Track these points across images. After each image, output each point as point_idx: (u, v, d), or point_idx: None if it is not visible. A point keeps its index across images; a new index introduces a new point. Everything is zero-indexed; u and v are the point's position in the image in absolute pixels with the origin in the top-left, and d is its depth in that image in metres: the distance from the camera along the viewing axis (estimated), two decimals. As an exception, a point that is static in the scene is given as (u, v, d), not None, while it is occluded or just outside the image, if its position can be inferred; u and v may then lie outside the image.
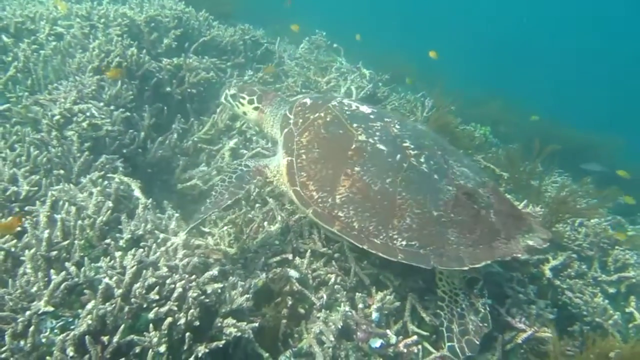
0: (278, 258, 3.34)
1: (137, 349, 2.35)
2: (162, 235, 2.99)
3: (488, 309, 3.24)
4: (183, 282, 2.57)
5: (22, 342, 2.29)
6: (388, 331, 3.06)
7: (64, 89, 4.18)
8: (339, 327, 2.85)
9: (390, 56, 11.08)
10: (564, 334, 3.61)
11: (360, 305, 3.06)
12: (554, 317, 3.53)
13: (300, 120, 3.54)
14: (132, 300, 2.45)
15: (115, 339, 2.32)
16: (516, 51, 33.94)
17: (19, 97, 4.36)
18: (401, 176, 3.16)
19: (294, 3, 14.41)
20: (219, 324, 2.62)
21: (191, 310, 2.49)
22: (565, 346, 3.36)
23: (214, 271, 2.74)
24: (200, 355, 2.44)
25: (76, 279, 2.56)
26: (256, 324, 2.73)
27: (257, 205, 3.98)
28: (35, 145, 3.56)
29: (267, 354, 2.82)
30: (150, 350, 2.33)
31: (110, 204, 3.06)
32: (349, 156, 3.25)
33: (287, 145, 3.45)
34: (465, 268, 2.99)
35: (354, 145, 3.29)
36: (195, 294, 2.53)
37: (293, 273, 3.23)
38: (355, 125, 3.41)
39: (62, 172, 3.42)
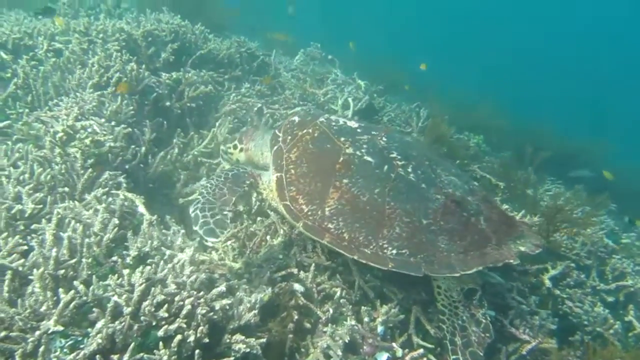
0: (283, 272, 3.36)
1: (147, 367, 2.36)
2: (168, 252, 3.00)
3: (489, 319, 3.28)
4: (192, 299, 2.58)
5: (31, 362, 2.30)
6: (394, 344, 3.08)
7: (64, 105, 4.18)
8: (346, 341, 2.87)
9: (382, 65, 11.17)
10: (565, 344, 3.65)
11: (366, 319, 3.08)
12: (555, 327, 3.57)
13: (289, 138, 3.63)
14: (142, 318, 2.46)
15: (126, 357, 2.33)
16: (503, 56, 34.27)
17: (19, 113, 4.36)
18: (389, 186, 3.22)
19: (281, 13, 14.48)
20: (227, 340, 2.63)
21: (200, 327, 2.50)
22: (567, 356, 3.40)
23: (222, 287, 2.75)
24: (210, 372, 2.45)
25: (84, 298, 2.56)
26: (264, 340, 2.74)
27: (258, 218, 4.00)
28: (38, 163, 3.56)
29: (274, 370, 2.83)
30: (161, 368, 2.33)
31: (116, 221, 3.07)
32: (337, 169, 3.32)
33: (277, 162, 3.54)
34: (457, 274, 3.03)
35: (341, 159, 3.37)
36: (204, 311, 2.55)
37: (298, 287, 3.24)
38: (342, 139, 3.49)
39: (66, 189, 3.42)
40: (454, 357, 3.13)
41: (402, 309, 3.35)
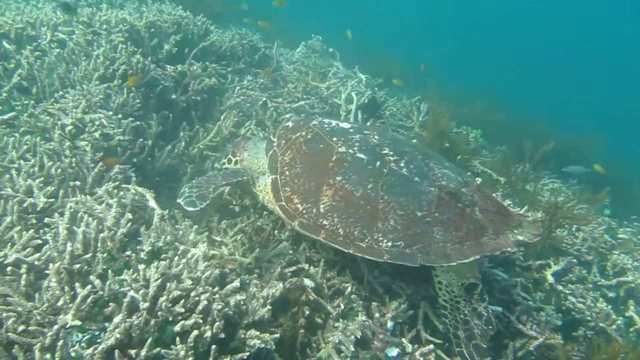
0: (293, 268, 3.38)
1: (164, 362, 2.38)
2: (182, 247, 3.01)
3: (491, 311, 3.32)
4: (207, 294, 2.60)
5: (47, 356, 2.31)
6: (404, 340, 3.12)
7: (71, 97, 4.16)
8: (358, 336, 2.90)
9: (380, 57, 11.13)
10: (569, 340, 3.71)
11: (377, 315, 3.12)
12: (560, 323, 3.62)
13: (283, 142, 3.70)
14: (159, 313, 2.48)
15: (143, 352, 2.34)
16: (501, 51, 34.26)
17: (25, 104, 4.33)
18: (382, 181, 3.26)
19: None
20: (242, 336, 2.66)
21: (216, 323, 2.52)
22: (572, 352, 3.46)
23: (236, 283, 2.78)
24: (226, 367, 2.47)
25: (101, 292, 2.57)
26: (277, 335, 2.77)
27: (265, 213, 4.02)
28: (47, 156, 3.55)
29: (287, 364, 2.86)
30: (178, 363, 2.36)
31: (129, 215, 3.08)
32: (330, 167, 3.37)
33: (272, 165, 3.60)
34: (454, 263, 3.05)
35: (334, 157, 3.41)
36: (219, 306, 2.57)
37: (308, 282, 3.28)
38: (335, 139, 3.54)
39: (77, 183, 3.42)
40: (458, 349, 3.18)
41: (410, 305, 3.39)
